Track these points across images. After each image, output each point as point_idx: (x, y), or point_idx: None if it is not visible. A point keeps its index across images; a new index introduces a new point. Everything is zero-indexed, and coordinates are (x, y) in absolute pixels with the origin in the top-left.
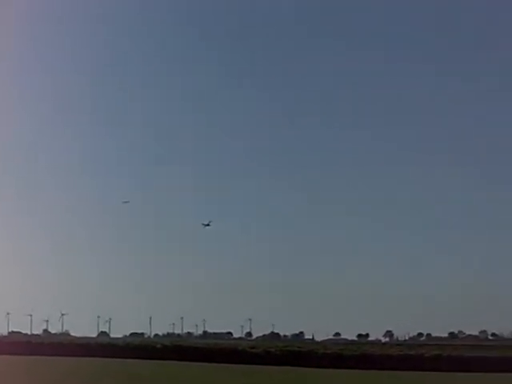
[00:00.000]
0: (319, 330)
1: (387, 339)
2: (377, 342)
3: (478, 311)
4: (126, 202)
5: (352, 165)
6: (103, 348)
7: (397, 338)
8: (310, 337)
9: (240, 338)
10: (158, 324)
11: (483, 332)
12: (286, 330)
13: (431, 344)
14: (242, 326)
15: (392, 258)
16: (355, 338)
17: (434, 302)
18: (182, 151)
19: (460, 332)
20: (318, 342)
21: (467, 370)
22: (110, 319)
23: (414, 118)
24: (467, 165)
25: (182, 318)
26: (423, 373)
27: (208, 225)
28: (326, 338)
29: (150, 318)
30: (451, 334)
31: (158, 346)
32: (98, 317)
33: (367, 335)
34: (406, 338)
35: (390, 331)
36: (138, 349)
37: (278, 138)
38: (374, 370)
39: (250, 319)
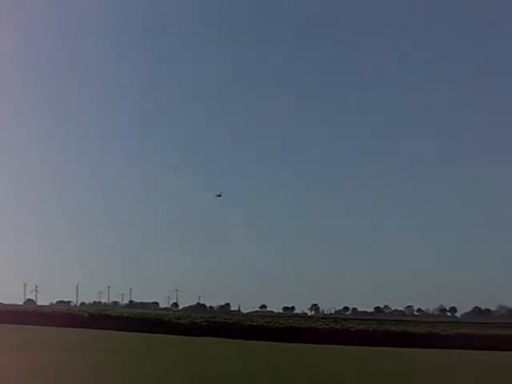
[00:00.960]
0: (245, 302)
1: (313, 312)
2: (302, 315)
3: (404, 287)
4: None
5: None
6: (30, 315)
7: (322, 312)
8: (236, 308)
9: (166, 309)
10: (85, 293)
11: (409, 307)
12: (212, 301)
13: (357, 318)
14: (169, 297)
15: (315, 232)
16: (281, 311)
17: (359, 276)
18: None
19: (386, 307)
20: (244, 314)
21: (393, 345)
22: (37, 287)
23: None
24: None
25: (108, 287)
26: (350, 347)
27: (219, 195)
28: (251, 310)
29: (77, 287)
30: (377, 308)
31: (85, 314)
32: (25, 284)
33: (293, 308)
34: (332, 311)
35: (315, 305)
36: (65, 317)
37: None
38: (300, 343)
39: (176, 290)
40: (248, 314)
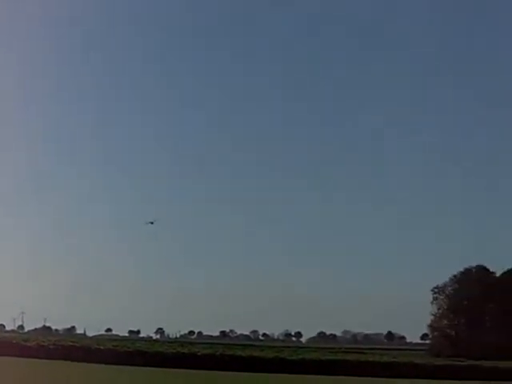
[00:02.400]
0: (90, 324)
1: (158, 336)
2: (148, 339)
3: (249, 311)
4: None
5: None
6: None
7: (168, 336)
8: (82, 331)
9: (12, 331)
10: None
11: (254, 332)
12: (58, 323)
13: (203, 342)
14: (15, 319)
15: (152, 253)
16: (126, 334)
17: (205, 300)
18: None
19: (231, 331)
20: (90, 337)
21: (241, 370)
22: None
23: None
24: None
25: None
26: (198, 371)
27: (152, 223)
28: (97, 333)
29: None
30: (222, 332)
31: None
32: None
33: (138, 332)
34: (177, 335)
35: (160, 328)
36: None
37: None
38: (148, 366)
39: (22, 312)
40: (93, 337)
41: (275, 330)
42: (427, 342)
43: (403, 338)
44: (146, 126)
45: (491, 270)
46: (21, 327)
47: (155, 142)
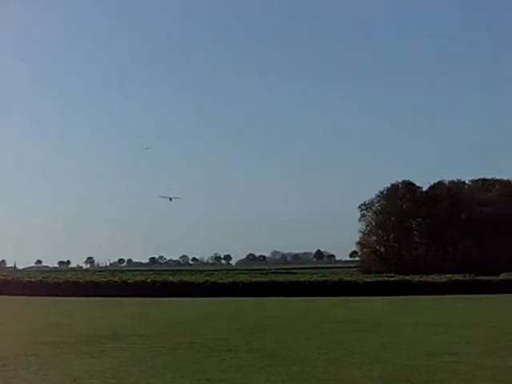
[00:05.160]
0: (20, 257)
1: (88, 266)
2: (78, 269)
3: (177, 237)
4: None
5: None
6: None
7: (98, 265)
8: (12, 265)
9: None
10: None
11: (184, 257)
12: None
13: (133, 269)
14: None
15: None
16: (57, 266)
17: (134, 227)
18: None
19: (161, 257)
20: (20, 270)
21: (173, 295)
22: None
23: None
24: None
25: None
26: (130, 298)
27: (171, 199)
28: (27, 265)
29: None
30: (152, 259)
31: None
32: None
33: (68, 262)
34: (107, 264)
35: (90, 258)
36: None
37: None
38: (82, 297)
39: None
40: (24, 269)
41: (204, 253)
42: (357, 259)
43: (332, 256)
44: None
45: (418, 184)
46: None
47: None
